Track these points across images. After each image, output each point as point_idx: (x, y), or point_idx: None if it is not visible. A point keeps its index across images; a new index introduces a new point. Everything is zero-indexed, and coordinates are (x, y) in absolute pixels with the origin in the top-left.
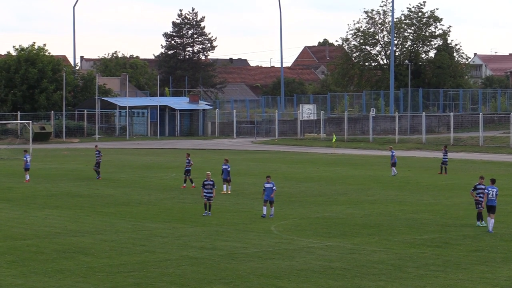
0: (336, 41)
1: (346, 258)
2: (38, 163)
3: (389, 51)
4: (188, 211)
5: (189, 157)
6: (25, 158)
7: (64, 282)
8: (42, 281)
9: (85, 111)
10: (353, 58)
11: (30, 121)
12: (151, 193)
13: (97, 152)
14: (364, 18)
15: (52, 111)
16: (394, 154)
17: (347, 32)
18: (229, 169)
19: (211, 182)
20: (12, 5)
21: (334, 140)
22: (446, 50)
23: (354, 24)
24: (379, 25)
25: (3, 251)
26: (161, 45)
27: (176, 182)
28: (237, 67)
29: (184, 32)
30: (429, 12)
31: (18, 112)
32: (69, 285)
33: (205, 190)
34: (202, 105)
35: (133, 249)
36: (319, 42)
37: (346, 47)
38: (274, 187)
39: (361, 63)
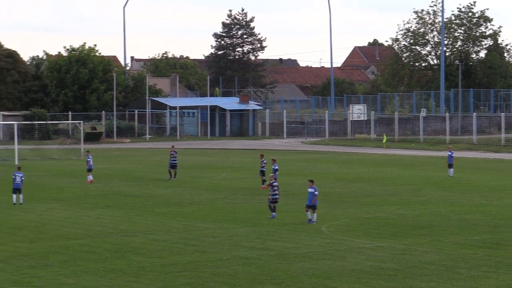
0: (386, 41)
1: (397, 259)
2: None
3: (439, 51)
4: (239, 211)
5: (263, 157)
6: (88, 159)
7: (116, 281)
8: (94, 281)
9: (136, 111)
10: (403, 59)
11: (81, 121)
12: (202, 193)
13: (173, 152)
14: (414, 18)
15: (103, 111)
16: (452, 154)
17: (397, 32)
18: (277, 167)
19: (276, 184)
20: (62, 6)
21: (384, 141)
22: (497, 50)
23: (404, 24)
24: (429, 25)
25: (55, 250)
26: (211, 45)
27: (227, 182)
28: (287, 67)
29: (234, 32)
30: (479, 12)
31: (69, 112)
32: (120, 285)
33: (272, 193)
34: (252, 105)
35: (184, 249)
36: (369, 42)
37: (396, 47)
38: (316, 192)
39: (411, 63)
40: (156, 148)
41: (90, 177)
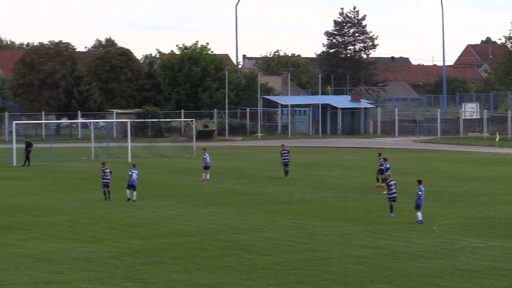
0: (499, 39)
1: (510, 259)
2: (201, 161)
3: None
4: (350, 210)
5: (381, 156)
6: (204, 156)
7: (228, 279)
8: (206, 278)
9: (248, 109)
10: None
11: (194, 119)
12: (313, 191)
13: (285, 152)
14: None
15: (215, 109)
16: None
17: (510, 30)
18: (388, 166)
19: (393, 182)
20: (175, 5)
21: (497, 139)
22: None
23: None
24: None
25: (168, 247)
26: (323, 43)
27: (338, 180)
28: (398, 65)
29: (345, 30)
30: None
31: (182, 110)
32: (232, 282)
33: (389, 192)
34: (364, 103)
35: (295, 247)
36: (481, 41)
37: (509, 46)
38: (419, 192)
39: None
40: (267, 146)
41: (207, 175)
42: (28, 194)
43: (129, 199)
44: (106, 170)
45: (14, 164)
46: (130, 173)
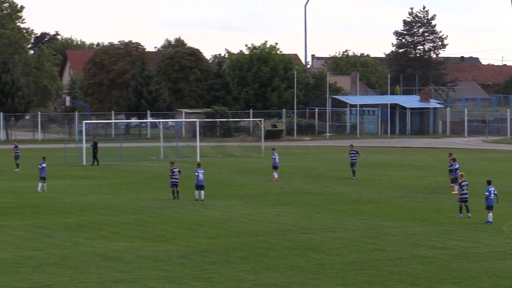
0: None
1: None
2: (269, 161)
3: None
4: (418, 210)
5: (452, 156)
6: (273, 156)
7: (295, 278)
8: (273, 277)
9: (316, 109)
10: None
11: (262, 119)
12: (382, 191)
13: (353, 152)
14: None
15: (284, 109)
16: None
17: None
18: (457, 166)
19: (465, 182)
20: (244, 4)
21: None
22: None
23: None
24: None
25: (236, 247)
26: (392, 43)
27: (407, 180)
28: (468, 65)
29: (415, 30)
30: None
31: (250, 110)
32: (299, 282)
33: (461, 192)
34: (433, 103)
35: (363, 247)
36: None
37: None
38: (486, 192)
39: None
40: (336, 146)
41: (275, 175)
42: (97, 193)
43: (197, 200)
44: (174, 170)
45: (84, 163)
46: (196, 173)
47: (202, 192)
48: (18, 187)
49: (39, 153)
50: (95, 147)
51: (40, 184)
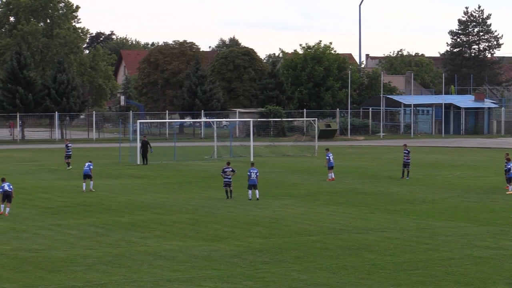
0: None
1: None
2: (323, 160)
3: None
4: (473, 210)
5: (508, 156)
6: (327, 157)
7: (348, 278)
8: (327, 277)
9: (370, 109)
10: None
11: (316, 119)
12: (436, 191)
13: (406, 152)
14: None
15: (337, 109)
16: None
17: None
18: (510, 166)
19: None
20: (298, 4)
21: None
22: None
23: None
24: None
25: (289, 246)
26: (447, 43)
27: (461, 180)
28: None
29: (470, 29)
30: None
31: (304, 110)
32: (352, 282)
33: None
34: (488, 103)
35: (416, 247)
36: None
37: None
38: None
39: None
40: (389, 146)
41: (331, 175)
42: (151, 193)
43: (250, 199)
44: (226, 170)
45: (138, 162)
46: (249, 173)
47: (256, 191)
48: (73, 186)
49: (93, 153)
50: (144, 146)
51: (84, 184)
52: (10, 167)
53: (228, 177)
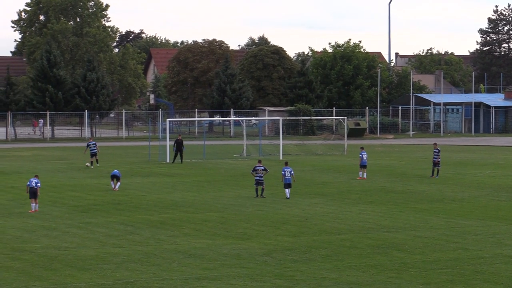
0: None
1: None
2: (352, 159)
3: None
4: (503, 209)
5: None
6: (360, 155)
7: (377, 277)
8: (356, 276)
9: (400, 108)
10: None
11: (345, 117)
12: (465, 190)
13: (436, 150)
14: None
15: (367, 107)
16: None
17: None
18: None
19: None
20: (327, 3)
21: None
22: None
23: None
24: None
25: (318, 245)
26: (476, 41)
27: (491, 179)
28: None
29: (500, 28)
30: None
31: (334, 108)
32: (382, 281)
33: None
34: None
35: (446, 246)
36: None
37: None
38: None
39: None
40: (419, 145)
41: (364, 174)
42: (180, 191)
43: (288, 198)
44: (258, 168)
45: (167, 161)
46: (283, 172)
47: (287, 190)
48: (103, 184)
49: (122, 151)
50: (179, 145)
51: (112, 183)
52: (40, 165)
53: (260, 175)
